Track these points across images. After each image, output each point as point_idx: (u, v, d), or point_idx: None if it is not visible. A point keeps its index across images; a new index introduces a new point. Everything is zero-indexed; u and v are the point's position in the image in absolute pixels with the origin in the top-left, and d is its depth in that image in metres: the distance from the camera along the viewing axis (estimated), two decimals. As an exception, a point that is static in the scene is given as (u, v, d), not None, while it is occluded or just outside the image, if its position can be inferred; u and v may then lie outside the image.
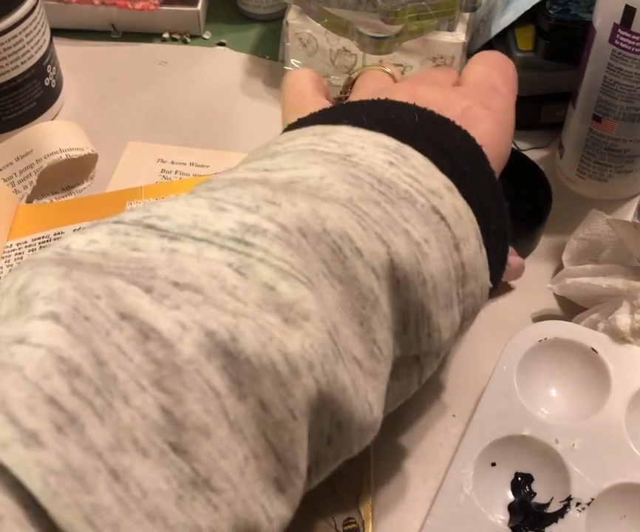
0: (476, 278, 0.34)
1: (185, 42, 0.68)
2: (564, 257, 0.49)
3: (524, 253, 0.50)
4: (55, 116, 0.61)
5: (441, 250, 0.32)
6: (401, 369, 0.33)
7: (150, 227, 0.27)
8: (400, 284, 0.31)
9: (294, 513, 0.28)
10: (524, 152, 0.57)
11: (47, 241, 0.51)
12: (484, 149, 0.36)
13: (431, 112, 0.36)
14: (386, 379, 0.31)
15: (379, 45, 0.57)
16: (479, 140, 0.36)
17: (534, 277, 0.50)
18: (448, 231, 0.32)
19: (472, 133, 0.36)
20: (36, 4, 0.55)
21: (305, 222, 0.28)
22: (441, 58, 0.58)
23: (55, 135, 0.55)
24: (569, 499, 0.39)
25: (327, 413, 0.28)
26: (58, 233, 0.51)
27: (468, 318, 0.35)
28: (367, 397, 0.30)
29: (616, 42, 0.47)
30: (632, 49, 0.46)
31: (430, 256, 0.31)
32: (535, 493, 0.40)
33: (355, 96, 0.41)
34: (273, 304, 0.26)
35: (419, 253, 0.31)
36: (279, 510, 0.27)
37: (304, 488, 0.29)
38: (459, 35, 0.58)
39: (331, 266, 0.29)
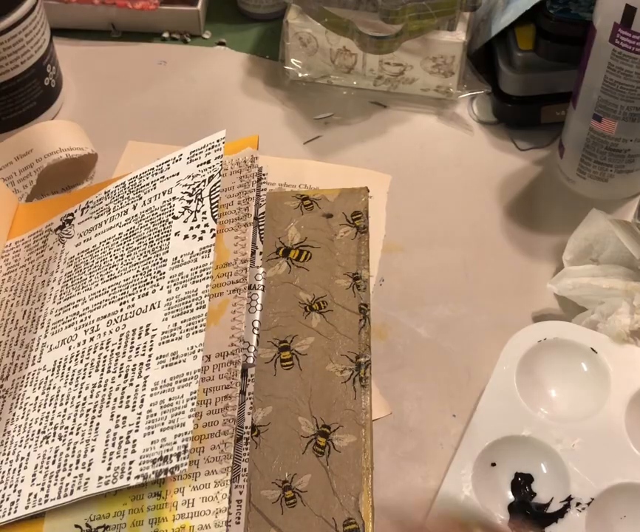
0: None
1: (185, 42, 0.68)
2: (565, 257, 0.49)
3: None
4: (55, 116, 0.61)
5: None
6: None
7: None
8: None
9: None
10: (524, 152, 0.58)
11: (40, 235, 0.51)
12: None
13: None
14: None
15: (379, 44, 0.57)
16: None
17: (534, 277, 0.50)
18: None
19: None
20: (36, 3, 0.55)
21: None
22: (441, 57, 0.58)
23: (54, 135, 0.54)
24: (569, 499, 0.39)
25: None
26: (49, 225, 0.51)
27: None
28: None
29: (617, 42, 0.46)
30: (633, 48, 0.46)
31: None
32: (535, 494, 0.40)
33: None
34: None
35: None
36: None
37: None
38: (459, 35, 0.58)
39: None
